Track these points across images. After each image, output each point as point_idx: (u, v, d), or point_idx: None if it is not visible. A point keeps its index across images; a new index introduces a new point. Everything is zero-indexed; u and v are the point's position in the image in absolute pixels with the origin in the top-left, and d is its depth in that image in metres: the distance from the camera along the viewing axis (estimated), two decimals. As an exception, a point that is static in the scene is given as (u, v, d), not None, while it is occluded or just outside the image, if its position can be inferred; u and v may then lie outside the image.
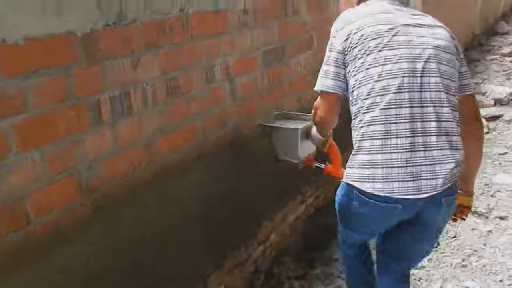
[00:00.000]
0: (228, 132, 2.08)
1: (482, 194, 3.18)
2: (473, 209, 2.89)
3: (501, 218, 2.82)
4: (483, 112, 4.53)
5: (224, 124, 2.05)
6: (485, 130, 4.16)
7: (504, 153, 3.82)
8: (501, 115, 4.66)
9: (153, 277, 1.71)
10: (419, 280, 2.32)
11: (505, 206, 2.98)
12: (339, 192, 1.62)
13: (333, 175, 2.13)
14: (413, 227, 1.55)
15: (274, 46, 2.34)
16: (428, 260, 2.44)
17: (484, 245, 2.56)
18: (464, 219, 1.81)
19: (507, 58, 7.17)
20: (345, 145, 1.85)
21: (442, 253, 2.53)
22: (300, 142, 2.08)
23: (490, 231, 2.69)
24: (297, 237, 2.78)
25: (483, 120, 3.59)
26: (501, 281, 2.25)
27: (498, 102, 5.04)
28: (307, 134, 2.06)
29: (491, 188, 3.24)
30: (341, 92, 1.55)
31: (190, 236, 1.89)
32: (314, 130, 1.94)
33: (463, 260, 2.44)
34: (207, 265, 2.04)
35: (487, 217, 2.84)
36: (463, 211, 1.71)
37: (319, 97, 1.64)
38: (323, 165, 2.18)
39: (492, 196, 3.13)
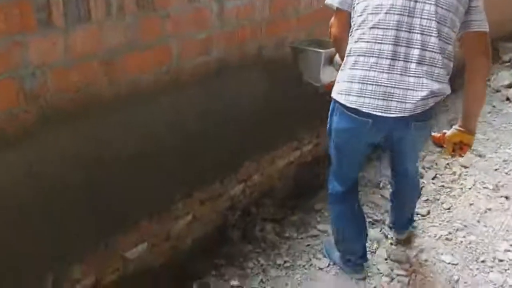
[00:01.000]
0: (212, 61, 1.93)
1: (497, 170, 2.92)
2: (481, 184, 2.73)
3: (507, 197, 2.59)
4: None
5: (208, 51, 1.90)
6: (503, 97, 3.78)
7: (536, 131, 3.47)
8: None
9: (107, 198, 1.67)
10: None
11: (517, 186, 2.74)
12: (329, 112, 1.75)
13: None
14: (393, 147, 1.81)
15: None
16: (414, 227, 2.30)
17: (478, 222, 2.38)
18: (462, 156, 1.87)
19: None
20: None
21: (430, 222, 2.38)
22: (322, 65, 2.16)
23: (489, 209, 2.48)
24: (285, 182, 2.69)
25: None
26: (483, 261, 2.10)
27: None
28: (330, 60, 2.13)
29: (508, 165, 2.97)
30: (349, 9, 1.63)
31: (158, 165, 1.83)
32: (337, 56, 1.97)
33: (449, 233, 2.28)
34: (175, 194, 2.00)
35: (490, 195, 2.62)
36: (462, 148, 1.75)
37: (334, 16, 1.74)
38: None
39: (506, 173, 2.88)
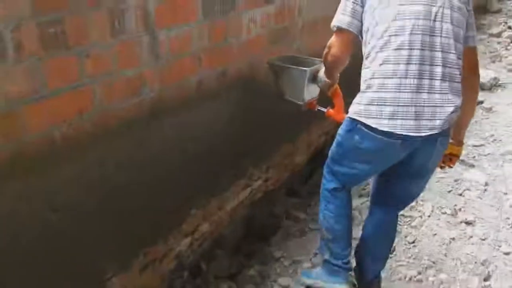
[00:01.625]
0: (145, 102, 1.61)
1: (450, 191, 2.85)
2: (439, 209, 2.63)
3: (467, 223, 2.50)
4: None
5: (139, 91, 1.57)
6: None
7: (480, 145, 3.49)
8: (482, 102, 4.30)
9: None
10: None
11: (473, 208, 2.67)
12: (343, 127, 1.68)
13: (333, 118, 2.17)
14: (408, 167, 1.65)
15: (220, -6, 1.84)
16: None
17: (445, 255, 2.24)
18: (451, 167, 1.94)
19: (495, 39, 6.77)
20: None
21: (397, 261, 2.20)
22: (306, 83, 2.12)
23: (453, 238, 2.37)
24: (236, 226, 2.40)
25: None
26: (459, 303, 1.95)
27: (480, 87, 4.67)
28: (314, 77, 2.09)
29: (460, 185, 2.91)
30: (356, 32, 1.62)
31: (81, 236, 1.46)
32: (321, 72, 2.02)
33: (419, 273, 2.12)
34: (108, 267, 1.62)
35: (451, 222, 2.52)
36: (451, 159, 1.86)
37: (334, 35, 1.69)
38: (325, 109, 2.21)
39: (460, 195, 2.81)
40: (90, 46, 1.34)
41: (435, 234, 2.40)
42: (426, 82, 1.50)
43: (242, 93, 2.15)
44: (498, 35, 6.91)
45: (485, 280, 2.09)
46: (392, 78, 1.51)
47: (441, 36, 1.51)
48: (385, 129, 1.51)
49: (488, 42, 6.51)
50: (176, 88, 1.74)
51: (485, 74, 4.70)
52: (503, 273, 2.14)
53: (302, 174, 3.00)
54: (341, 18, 1.63)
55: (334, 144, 1.76)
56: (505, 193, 2.83)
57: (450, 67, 1.52)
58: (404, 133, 1.50)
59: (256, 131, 2.35)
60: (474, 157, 3.31)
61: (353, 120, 1.60)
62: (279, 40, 2.36)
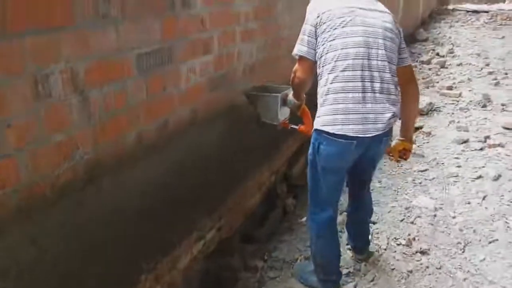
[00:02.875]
0: (79, 166, 1.49)
1: (402, 220, 2.89)
2: (394, 240, 2.64)
3: (422, 252, 2.52)
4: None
5: (71, 155, 1.45)
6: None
7: (425, 170, 3.60)
8: (421, 127, 4.51)
9: None
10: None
11: (426, 236, 2.70)
12: (312, 142, 2.04)
13: (305, 133, 2.54)
14: (363, 161, 2.08)
15: (155, 48, 1.79)
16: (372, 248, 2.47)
17: (405, 291, 2.23)
18: (406, 159, 2.31)
19: (426, 66, 7.24)
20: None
21: (359, 302, 2.16)
22: (279, 106, 2.53)
23: (410, 271, 2.37)
24: (192, 285, 2.26)
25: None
26: None
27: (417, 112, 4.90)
28: (284, 101, 2.48)
29: (411, 212, 2.97)
30: (312, 59, 1.99)
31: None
32: (290, 96, 2.39)
33: (382, 313, 2.08)
34: None
35: (406, 253, 2.53)
36: (405, 153, 2.24)
37: (297, 63, 2.07)
38: (297, 126, 2.61)
39: (412, 223, 2.85)
40: (12, 115, 1.22)
41: (393, 269, 2.39)
42: (368, 95, 1.89)
43: (185, 141, 2.08)
44: (428, 62, 7.39)
45: (445, 311, 2.08)
46: (342, 92, 1.88)
47: (377, 60, 1.91)
48: (340, 132, 1.89)
49: (420, 69, 6.92)
50: (114, 145, 1.65)
51: (422, 100, 4.94)
52: (462, 301, 2.16)
53: (256, 217, 2.93)
54: (300, 48, 2.00)
55: (308, 171, 2.12)
56: (454, 217, 2.90)
57: (386, 83, 1.93)
58: (355, 135, 1.89)
59: (203, 179, 2.27)
60: (420, 182, 3.40)
61: (317, 131, 1.98)
62: (219, 86, 2.34)
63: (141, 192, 1.82)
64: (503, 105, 5.18)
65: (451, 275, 2.34)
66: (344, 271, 2.35)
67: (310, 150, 2.05)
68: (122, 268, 1.74)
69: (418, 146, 4.12)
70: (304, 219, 2.89)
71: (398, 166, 3.59)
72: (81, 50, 1.42)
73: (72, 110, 1.43)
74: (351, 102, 1.88)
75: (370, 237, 2.54)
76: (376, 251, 2.54)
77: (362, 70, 1.89)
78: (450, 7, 17.07)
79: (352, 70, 1.88)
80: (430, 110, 5.00)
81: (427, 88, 5.99)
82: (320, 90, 1.96)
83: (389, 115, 1.92)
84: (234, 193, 2.65)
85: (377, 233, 2.72)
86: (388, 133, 1.99)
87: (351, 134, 1.88)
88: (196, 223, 2.28)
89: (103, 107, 1.55)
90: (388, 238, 2.67)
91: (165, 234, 2.03)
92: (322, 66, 1.93)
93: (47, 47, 1.30)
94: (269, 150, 3.14)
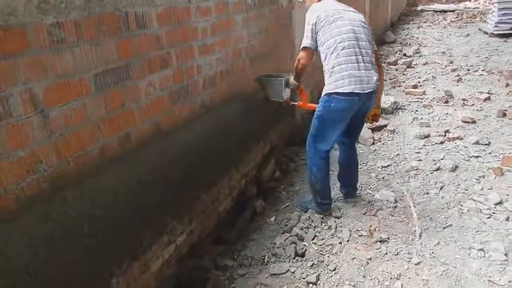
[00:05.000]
0: (42, 180, 1.62)
1: (365, 213, 3.06)
2: (356, 232, 2.80)
3: (382, 241, 2.69)
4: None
5: (34, 169, 1.58)
6: (371, 141, 4.14)
7: (387, 166, 3.80)
8: (386, 125, 4.72)
9: None
10: None
11: (386, 226, 2.88)
12: (320, 105, 2.82)
13: (303, 107, 3.55)
14: (358, 116, 2.86)
15: (112, 66, 1.93)
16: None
17: (364, 277, 2.38)
18: (377, 121, 3.26)
19: (393, 67, 7.51)
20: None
21: (321, 291, 2.31)
22: (283, 88, 3.37)
23: (370, 259, 2.53)
24: (163, 287, 2.38)
25: (370, 131, 4.40)
26: (378, 321, 2.07)
27: (383, 111, 5.12)
28: (286, 83, 3.35)
29: (373, 206, 3.15)
30: (314, 48, 2.84)
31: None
32: (291, 79, 3.25)
33: (341, 298, 2.24)
34: None
35: (367, 243, 2.70)
36: (375, 117, 3.14)
37: (302, 52, 2.89)
38: (296, 103, 3.53)
39: (374, 215, 3.03)
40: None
41: (354, 258, 2.55)
42: (361, 65, 2.71)
43: (149, 152, 2.22)
44: (395, 63, 7.66)
45: (399, 293, 2.25)
46: (344, 64, 2.69)
47: (362, 41, 2.77)
48: (348, 91, 2.66)
49: (387, 70, 7.18)
50: (77, 159, 1.77)
51: (387, 99, 5.18)
52: (416, 283, 2.32)
53: (228, 220, 3.07)
54: (305, 41, 2.84)
55: (314, 123, 2.88)
56: (412, 207, 3.08)
57: (370, 57, 2.78)
58: (357, 92, 2.67)
59: (171, 185, 2.41)
60: (383, 177, 3.59)
61: (328, 94, 2.74)
62: (181, 97, 2.49)
63: (107, 201, 1.95)
64: (463, 100, 5.44)
65: (407, 260, 2.51)
66: (308, 263, 2.51)
67: (319, 108, 2.83)
68: (92, 274, 1.87)
69: (383, 143, 4.33)
70: (273, 218, 3.05)
71: (363, 163, 3.79)
72: (38, 73, 1.56)
73: (33, 128, 1.56)
74: (351, 70, 2.68)
75: (357, 183, 3.28)
76: (339, 243, 2.70)
77: (354, 48, 2.71)
78: (419, 8, 17.59)
79: (348, 49, 2.70)
80: (395, 109, 5.22)
81: (394, 88, 6.24)
82: (326, 67, 2.77)
83: (375, 78, 2.75)
84: (204, 198, 2.80)
85: (341, 227, 2.89)
86: (375, 92, 2.78)
87: (356, 91, 2.66)
88: (166, 228, 2.43)
89: (63, 123, 1.69)
90: (351, 231, 2.83)
91: (135, 240, 2.17)
92: (326, 49, 2.75)
93: (4, 71, 1.43)
94: (237, 156, 3.30)
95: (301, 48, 2.87)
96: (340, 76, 2.68)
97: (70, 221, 1.74)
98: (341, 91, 2.67)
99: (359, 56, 2.71)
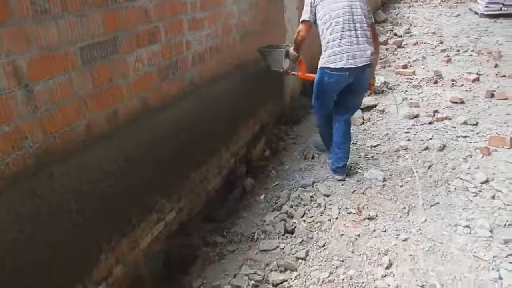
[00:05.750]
0: (28, 156, 1.58)
1: (354, 192, 3.09)
2: (345, 210, 2.83)
3: (370, 218, 2.72)
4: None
5: (20, 144, 1.55)
6: (361, 120, 4.15)
7: (377, 145, 3.82)
8: (375, 105, 4.73)
9: None
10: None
11: (375, 204, 2.91)
12: (317, 76, 3.13)
13: (301, 77, 3.69)
14: (353, 88, 3.08)
15: (98, 40, 1.87)
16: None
17: (352, 252, 2.42)
18: (371, 91, 3.50)
19: (383, 46, 7.47)
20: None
21: (310, 266, 2.34)
22: (283, 58, 3.57)
23: (358, 235, 2.56)
24: (154, 264, 2.38)
25: (360, 111, 4.40)
26: (366, 293, 2.11)
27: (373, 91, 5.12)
28: (286, 54, 3.55)
29: (362, 184, 3.17)
30: (312, 21, 3.08)
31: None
32: (290, 50, 3.47)
33: (330, 273, 2.26)
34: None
35: (356, 220, 2.72)
36: (370, 87, 3.35)
37: (301, 25, 3.13)
38: (296, 73, 3.71)
39: (363, 193, 3.05)
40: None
41: (343, 234, 2.58)
42: (354, 39, 2.91)
43: (137, 129, 2.19)
44: (385, 42, 7.62)
45: (387, 268, 2.28)
46: (337, 40, 2.91)
47: (357, 16, 2.95)
48: (339, 66, 2.91)
49: (379, 55, 7.12)
50: (63, 135, 1.74)
51: (377, 79, 5.14)
52: (403, 259, 2.36)
53: (217, 198, 3.07)
54: (305, 15, 3.09)
55: (314, 88, 3.22)
56: (401, 186, 3.12)
57: (365, 31, 2.96)
58: (348, 67, 2.90)
59: (159, 163, 2.39)
60: (372, 157, 3.61)
61: (322, 68, 3.02)
62: (170, 74, 2.44)
63: (95, 178, 1.92)
64: (453, 80, 5.46)
65: (395, 236, 2.55)
66: (298, 240, 2.53)
67: (316, 79, 3.13)
68: (80, 249, 1.86)
69: (373, 123, 4.34)
70: (262, 196, 3.06)
71: (353, 143, 3.80)
72: (22, 45, 1.51)
73: (18, 102, 1.52)
74: (344, 45, 2.90)
75: (347, 161, 3.37)
76: (328, 220, 2.73)
77: (349, 23, 2.92)
78: (410, -13, 17.43)
79: (342, 24, 2.91)
80: (385, 89, 5.22)
81: (384, 68, 6.22)
82: (323, 41, 3.02)
83: (369, 52, 2.95)
84: (194, 176, 2.79)
85: (330, 205, 2.91)
86: (370, 65, 2.98)
87: (346, 66, 2.89)
88: (155, 205, 2.42)
89: (49, 98, 1.64)
90: (340, 209, 2.86)
91: (123, 217, 2.15)
92: (322, 25, 2.99)
93: (-14, 43, 1.38)
94: (227, 134, 3.28)
95: (300, 21, 3.13)
96: (332, 52, 2.93)
97: (56, 197, 1.71)
98: (332, 66, 2.93)
99: (352, 31, 2.91)
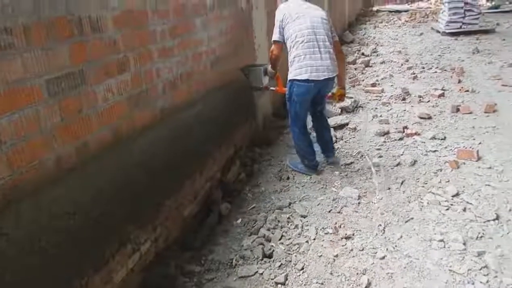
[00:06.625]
0: (-6, 194, 1.53)
1: (330, 211, 3.10)
2: (322, 230, 2.83)
3: (347, 237, 2.73)
4: (331, 121, 4.62)
5: (-16, 183, 1.50)
6: (334, 139, 4.22)
7: (350, 163, 3.87)
8: (347, 123, 4.82)
9: None
10: None
11: (351, 222, 2.93)
12: (287, 87, 3.49)
13: (280, 91, 4.04)
14: (317, 97, 3.53)
15: (65, 72, 1.86)
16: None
17: (331, 274, 2.41)
18: (342, 101, 4.09)
19: (352, 66, 7.68)
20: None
21: (289, 291, 2.31)
22: (263, 75, 4.05)
23: (336, 255, 2.57)
24: (129, 296, 2.31)
25: (332, 129, 4.49)
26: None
27: (344, 110, 5.23)
28: (265, 71, 4.02)
29: (338, 203, 3.19)
30: (282, 41, 3.46)
31: None
32: (269, 68, 3.88)
33: (309, 297, 2.25)
34: None
35: (333, 240, 2.73)
36: (341, 98, 3.80)
37: (273, 45, 3.54)
38: (274, 88, 4.13)
39: (339, 212, 3.07)
40: None
41: (321, 256, 2.58)
42: (318, 56, 3.28)
43: (109, 159, 2.16)
44: (354, 62, 7.84)
45: None
46: (303, 55, 3.29)
47: (320, 35, 3.34)
48: (304, 77, 3.29)
49: (346, 70, 7.31)
50: (31, 169, 1.69)
51: (347, 99, 5.27)
52: (381, 277, 2.37)
53: (194, 224, 3.03)
54: (275, 36, 3.47)
55: (287, 103, 3.54)
56: (375, 203, 3.16)
57: (328, 48, 3.35)
58: (313, 79, 3.29)
59: (133, 193, 2.34)
60: (346, 175, 3.66)
61: (290, 80, 3.40)
62: (140, 102, 2.43)
63: (66, 213, 1.87)
64: (420, 96, 5.64)
65: (372, 254, 2.56)
66: (276, 264, 2.51)
67: (287, 92, 3.49)
68: (52, 288, 1.79)
69: (345, 141, 4.41)
70: (239, 220, 3.04)
71: (326, 162, 3.85)
72: (-15, 81, 1.48)
73: (-20, 140, 1.47)
74: (308, 60, 3.27)
75: (333, 145, 3.92)
76: (306, 242, 2.73)
77: (312, 42, 3.29)
78: (375, 8, 18.12)
79: (307, 42, 3.29)
80: (355, 107, 5.34)
81: (353, 87, 6.38)
82: (290, 57, 3.38)
83: (332, 67, 3.34)
84: (168, 204, 2.74)
85: (307, 226, 2.91)
86: (332, 78, 3.41)
87: (311, 78, 3.28)
88: (129, 236, 2.36)
89: (14, 133, 1.60)
90: (317, 229, 2.86)
91: (96, 250, 2.09)
92: (290, 43, 3.36)
93: None
94: (201, 160, 3.27)
95: (272, 41, 3.52)
96: (298, 66, 3.31)
97: (24, 235, 1.65)
98: (299, 78, 3.32)
99: (315, 49, 3.29)
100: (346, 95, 3.88)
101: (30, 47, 1.66)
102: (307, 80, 3.28)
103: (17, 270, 1.61)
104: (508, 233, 2.69)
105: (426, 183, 3.40)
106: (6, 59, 1.56)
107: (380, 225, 2.87)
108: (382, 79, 6.74)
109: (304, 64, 3.27)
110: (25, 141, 1.66)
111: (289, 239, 2.78)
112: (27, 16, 1.65)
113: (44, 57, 1.73)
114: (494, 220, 2.82)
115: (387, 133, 4.48)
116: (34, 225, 1.70)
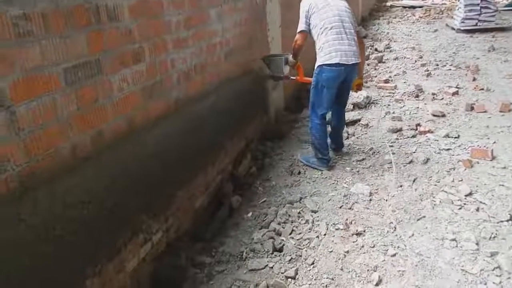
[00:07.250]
0: (10, 179, 1.54)
1: (341, 207, 3.08)
2: (333, 226, 2.82)
3: (358, 234, 2.72)
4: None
5: (3, 168, 1.50)
6: (345, 135, 4.19)
7: (362, 160, 3.84)
8: (359, 119, 4.78)
9: None
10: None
11: (362, 219, 2.91)
12: (315, 74, 3.56)
13: (300, 81, 4.29)
14: (344, 84, 3.62)
15: (82, 61, 1.86)
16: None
17: (341, 269, 2.40)
18: (360, 90, 4.12)
19: (365, 61, 7.60)
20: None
21: (300, 286, 2.31)
22: (284, 64, 4.15)
23: (347, 251, 2.56)
24: (140, 286, 2.33)
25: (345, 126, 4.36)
26: (356, 313, 2.09)
27: (356, 106, 5.19)
28: (286, 61, 4.10)
29: (349, 199, 3.18)
30: (307, 31, 3.58)
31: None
32: (290, 57, 3.98)
33: (320, 292, 2.24)
34: None
35: (344, 236, 2.72)
36: (359, 87, 3.94)
37: (298, 35, 3.65)
38: (295, 77, 4.29)
39: (350, 209, 3.05)
40: None
41: (331, 251, 2.57)
42: (346, 41, 3.42)
43: (122, 149, 2.16)
44: (367, 58, 7.73)
45: (377, 285, 2.27)
46: (332, 41, 3.41)
47: (347, 23, 3.48)
48: (335, 61, 3.38)
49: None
50: (48, 157, 1.70)
51: (359, 94, 5.23)
52: (392, 274, 2.36)
53: (205, 216, 3.03)
54: (301, 26, 3.58)
55: (312, 92, 3.63)
56: (386, 200, 3.14)
57: (353, 36, 3.50)
58: (343, 62, 3.39)
59: (146, 183, 2.35)
60: (358, 171, 3.63)
61: (320, 66, 3.47)
62: (154, 93, 2.43)
63: (80, 202, 1.88)
64: (433, 94, 5.57)
65: (383, 252, 2.55)
66: (287, 258, 2.51)
67: (314, 79, 3.56)
68: (65, 276, 1.80)
69: (357, 137, 4.38)
70: (250, 213, 3.04)
71: (338, 157, 3.82)
72: (4, 67, 1.48)
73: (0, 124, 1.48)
74: (337, 45, 3.39)
75: (343, 140, 4.08)
76: (316, 237, 2.72)
77: (339, 28, 3.43)
78: (389, 3, 17.89)
79: (336, 29, 3.43)
80: (368, 103, 5.29)
81: (366, 82, 6.30)
82: (317, 45, 3.50)
83: (357, 53, 3.48)
84: (180, 195, 2.75)
85: (318, 221, 2.90)
86: (357, 64, 3.52)
87: (342, 62, 3.38)
88: (141, 226, 2.37)
89: (32, 120, 1.61)
90: (328, 224, 2.85)
91: (109, 239, 2.10)
92: (318, 30, 3.47)
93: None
94: (213, 152, 3.26)
95: (297, 31, 3.60)
96: (328, 51, 3.41)
97: (40, 222, 1.66)
98: (329, 63, 3.40)
99: (343, 35, 3.42)
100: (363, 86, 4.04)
101: (48, 35, 1.66)
102: (337, 64, 3.37)
103: (35, 255, 1.63)
104: (522, 234, 2.65)
105: (439, 182, 3.36)
106: (25, 46, 1.57)
107: (392, 222, 2.85)
108: (395, 75, 6.67)
109: (334, 49, 3.38)
110: (42, 129, 1.67)
111: (300, 233, 2.77)
112: (46, 3, 1.64)
113: (62, 45, 1.73)
114: (507, 221, 2.79)
115: (400, 130, 4.43)
116: (49, 213, 1.71)
